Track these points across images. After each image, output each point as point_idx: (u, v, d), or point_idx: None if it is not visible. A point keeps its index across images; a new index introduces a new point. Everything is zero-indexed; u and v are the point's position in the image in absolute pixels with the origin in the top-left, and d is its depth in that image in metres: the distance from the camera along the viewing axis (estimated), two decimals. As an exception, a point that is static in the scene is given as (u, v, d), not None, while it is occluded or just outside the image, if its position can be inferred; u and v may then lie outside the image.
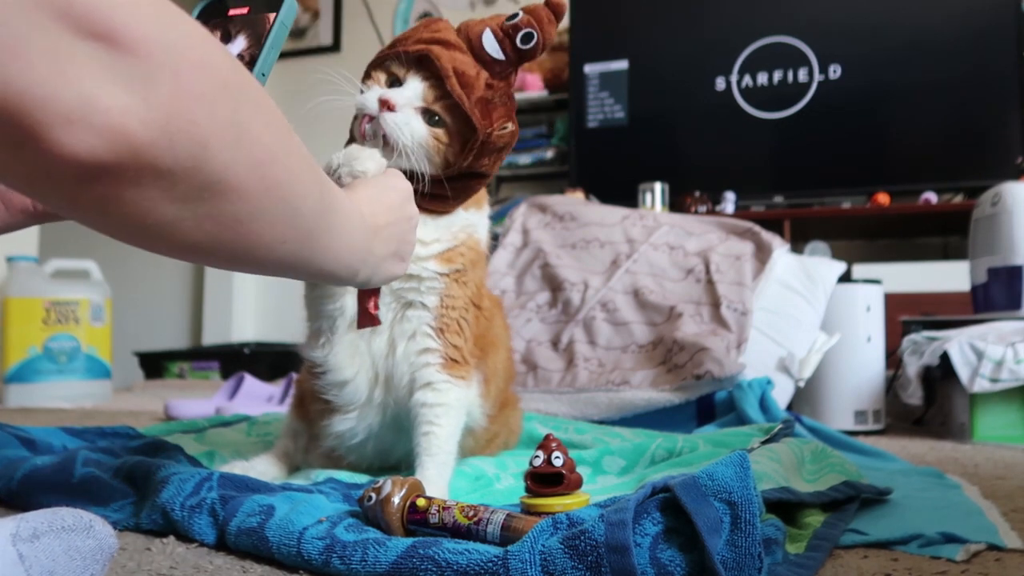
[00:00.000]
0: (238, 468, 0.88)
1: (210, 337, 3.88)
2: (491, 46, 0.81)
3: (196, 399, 1.71)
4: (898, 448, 1.30)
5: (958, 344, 1.39)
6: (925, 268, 2.62)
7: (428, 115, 0.81)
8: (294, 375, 1.05)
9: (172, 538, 0.68)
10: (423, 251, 0.83)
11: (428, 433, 0.82)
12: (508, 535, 0.59)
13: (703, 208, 2.77)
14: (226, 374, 2.94)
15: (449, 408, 0.84)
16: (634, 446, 0.99)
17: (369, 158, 0.74)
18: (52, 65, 0.33)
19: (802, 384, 1.49)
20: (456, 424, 0.85)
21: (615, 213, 1.77)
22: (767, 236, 1.65)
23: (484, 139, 0.81)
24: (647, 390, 1.36)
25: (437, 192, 0.82)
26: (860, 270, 2.60)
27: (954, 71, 2.71)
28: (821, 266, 1.61)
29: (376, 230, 0.64)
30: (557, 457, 0.69)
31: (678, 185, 2.75)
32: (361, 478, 0.87)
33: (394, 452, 0.93)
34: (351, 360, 0.85)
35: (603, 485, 0.91)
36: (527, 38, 0.81)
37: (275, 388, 1.77)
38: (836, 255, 2.58)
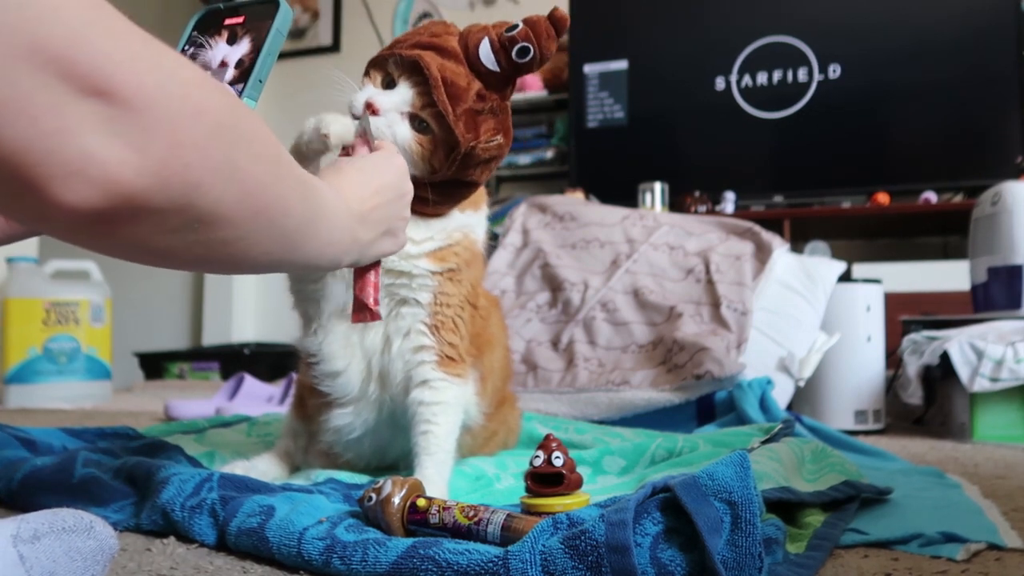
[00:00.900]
0: (239, 468, 0.88)
1: (210, 337, 3.88)
2: (486, 57, 0.81)
3: (196, 399, 1.71)
4: (898, 448, 1.30)
5: (958, 344, 1.39)
6: (925, 268, 2.62)
7: (415, 121, 0.81)
8: (294, 375, 1.05)
9: (172, 539, 0.68)
10: (414, 249, 0.83)
11: (426, 432, 0.82)
12: (508, 535, 0.59)
13: (703, 208, 2.77)
14: (226, 375, 2.94)
15: (447, 406, 0.84)
16: (634, 446, 0.99)
17: (336, 122, 0.75)
18: (53, 122, 0.35)
19: (802, 384, 1.49)
20: (454, 423, 0.85)
21: (615, 213, 1.77)
22: (767, 236, 1.65)
23: (467, 151, 0.81)
24: (647, 390, 1.36)
25: (423, 195, 0.82)
26: (860, 270, 2.60)
27: (954, 71, 2.71)
28: (821, 266, 1.61)
29: (362, 216, 0.65)
30: (557, 457, 0.69)
31: (678, 185, 2.75)
32: (361, 478, 0.87)
33: (391, 450, 0.93)
34: (343, 351, 0.85)
35: (603, 485, 0.91)
36: (523, 52, 0.80)
37: (275, 388, 1.77)
38: (836, 255, 2.58)
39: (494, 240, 1.77)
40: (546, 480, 0.69)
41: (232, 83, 0.60)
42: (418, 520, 0.63)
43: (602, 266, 1.66)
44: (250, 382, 1.77)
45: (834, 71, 2.84)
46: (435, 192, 0.83)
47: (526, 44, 0.80)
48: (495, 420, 0.97)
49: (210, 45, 0.61)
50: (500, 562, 0.54)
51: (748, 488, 0.54)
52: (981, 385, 1.35)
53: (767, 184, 2.91)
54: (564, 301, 1.62)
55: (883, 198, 2.66)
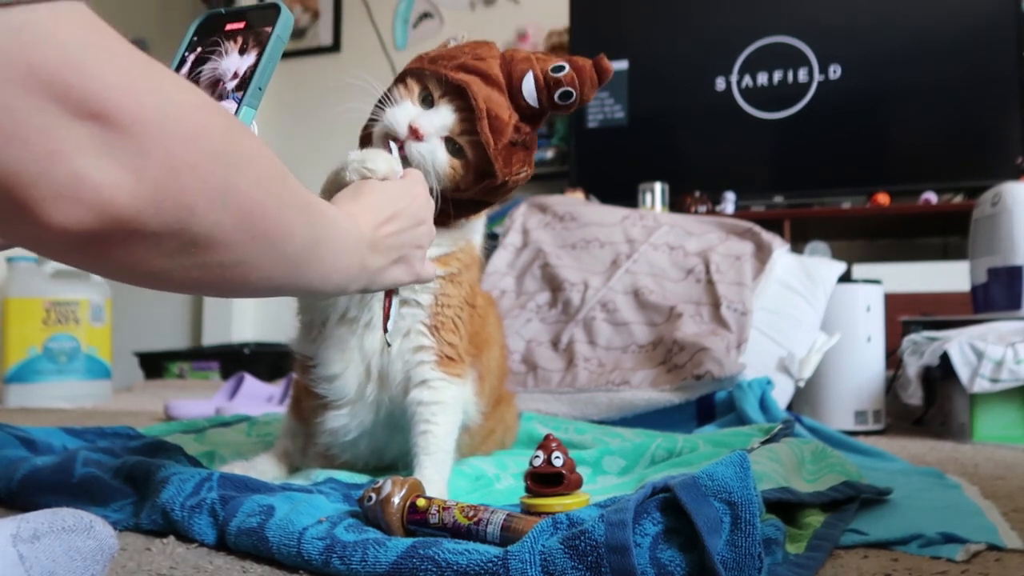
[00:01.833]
0: (239, 468, 0.88)
1: (210, 337, 3.88)
2: (529, 93, 0.81)
3: (196, 399, 1.71)
4: (898, 448, 1.30)
5: (958, 344, 1.39)
6: (925, 268, 2.62)
7: (451, 144, 0.81)
8: (294, 375, 1.05)
9: (172, 538, 0.68)
10: None
11: (425, 432, 0.82)
12: (508, 535, 0.59)
13: (703, 208, 2.77)
14: (226, 374, 2.94)
15: (446, 406, 0.84)
16: (634, 446, 0.99)
17: (382, 159, 0.74)
18: (47, 145, 0.35)
19: (802, 384, 1.49)
20: (453, 422, 0.85)
21: (615, 213, 1.77)
22: (767, 236, 1.65)
23: (500, 184, 0.82)
24: (647, 390, 1.36)
25: (443, 208, 0.83)
26: (860, 270, 2.60)
27: (954, 71, 2.71)
28: (821, 266, 1.61)
29: (374, 243, 0.65)
30: (557, 457, 0.69)
31: (678, 185, 2.75)
32: (361, 478, 0.87)
33: (388, 451, 0.93)
34: (341, 355, 0.85)
35: (603, 485, 0.91)
36: (566, 96, 0.80)
37: (275, 388, 1.77)
38: (836, 255, 2.58)
39: (494, 240, 1.77)
40: (546, 480, 0.69)
41: (233, 91, 0.59)
42: (418, 520, 0.63)
43: (602, 266, 1.66)
44: (250, 382, 1.77)
45: (834, 71, 2.84)
46: (453, 207, 0.84)
47: (570, 89, 0.80)
48: (492, 419, 0.97)
49: (221, 54, 0.60)
50: (500, 562, 0.54)
51: (748, 488, 0.54)
52: (981, 386, 1.35)
53: (767, 184, 2.91)
54: (564, 301, 1.62)
55: (883, 198, 2.66)
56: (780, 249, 1.62)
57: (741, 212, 2.80)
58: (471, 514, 0.61)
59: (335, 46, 3.95)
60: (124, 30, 0.40)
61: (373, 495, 0.64)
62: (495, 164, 0.80)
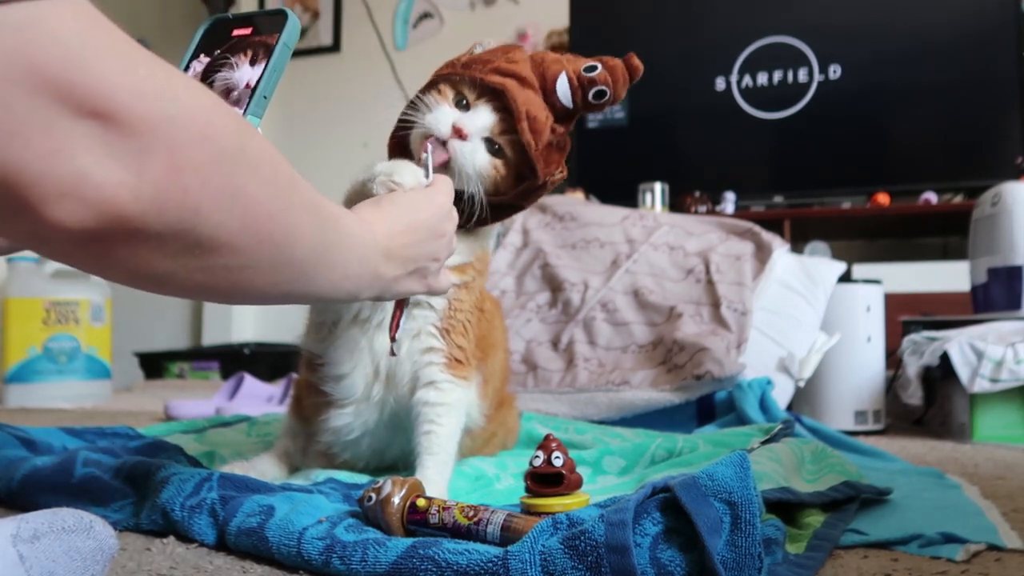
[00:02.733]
0: (239, 468, 0.88)
1: (210, 337, 3.88)
2: (564, 94, 0.81)
3: (196, 399, 1.71)
4: (898, 448, 1.30)
5: (958, 344, 1.39)
6: (925, 268, 2.62)
7: (490, 144, 0.81)
8: (294, 375, 1.05)
9: (172, 538, 0.68)
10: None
11: (429, 432, 0.82)
12: (508, 535, 0.59)
13: (703, 208, 2.77)
14: (226, 374, 2.94)
15: (451, 408, 0.84)
16: (634, 446, 0.99)
17: (409, 172, 0.74)
18: (48, 143, 0.35)
19: (802, 384, 1.49)
20: (457, 424, 0.85)
21: (615, 213, 1.77)
22: (767, 236, 1.65)
23: (539, 186, 0.83)
24: (647, 390, 1.36)
25: (478, 212, 0.83)
26: (860, 270, 2.60)
27: (954, 71, 2.71)
28: (821, 266, 1.61)
29: (389, 251, 0.64)
30: (557, 457, 0.69)
31: (678, 185, 2.75)
32: (361, 478, 0.87)
33: (390, 451, 0.93)
34: (350, 355, 0.85)
35: (603, 485, 0.91)
36: (600, 95, 0.81)
37: (275, 388, 1.77)
38: (836, 255, 2.58)
39: (495, 239, 1.77)
40: (546, 480, 0.69)
41: (239, 101, 0.58)
42: (418, 520, 0.63)
43: (602, 266, 1.66)
44: (250, 382, 1.77)
45: (834, 72, 2.84)
46: (490, 211, 0.84)
47: (604, 88, 0.81)
48: (494, 422, 0.97)
49: (233, 65, 0.59)
50: (500, 562, 0.54)
51: (748, 488, 0.54)
52: (981, 386, 1.34)
53: (767, 184, 2.91)
54: (564, 301, 1.62)
55: (883, 198, 2.66)
56: (780, 249, 1.62)
57: (741, 212, 2.80)
58: (471, 514, 0.61)
59: (335, 46, 3.95)
60: (126, 30, 0.40)
61: (373, 495, 0.64)
62: (537, 165, 0.80)
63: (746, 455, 0.57)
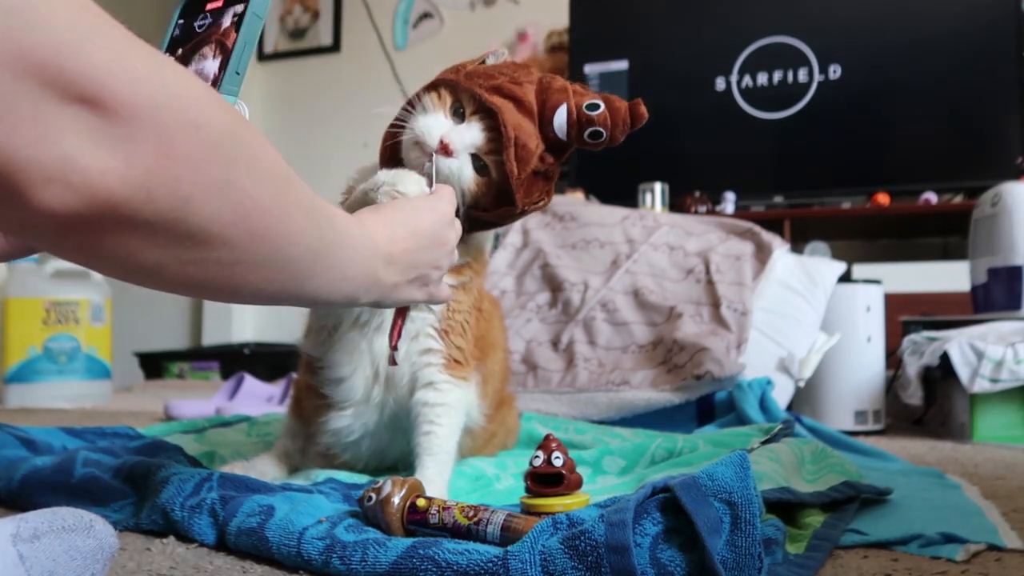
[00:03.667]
0: (239, 468, 0.88)
1: (210, 337, 3.88)
2: (560, 127, 0.80)
3: (196, 399, 1.71)
4: (898, 448, 1.30)
5: (958, 344, 1.39)
6: (925, 268, 2.62)
7: (477, 160, 0.80)
8: (294, 375, 1.05)
9: (172, 538, 0.68)
10: None
11: (429, 433, 0.82)
12: (508, 535, 0.59)
13: (703, 208, 2.77)
14: (226, 374, 2.94)
15: (450, 408, 0.84)
16: (634, 446, 0.99)
17: (413, 182, 0.74)
18: (35, 128, 0.35)
19: (802, 384, 1.49)
20: (456, 424, 0.85)
21: (615, 213, 1.77)
22: (767, 236, 1.65)
23: (518, 212, 0.82)
24: (647, 390, 1.36)
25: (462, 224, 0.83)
26: (860, 270, 2.60)
27: (954, 71, 2.71)
28: (821, 266, 1.61)
29: (390, 256, 0.63)
30: (557, 457, 0.69)
31: (678, 185, 2.75)
32: (361, 478, 0.87)
33: (390, 452, 0.93)
34: (350, 357, 0.85)
35: (603, 485, 0.91)
36: (596, 135, 0.80)
37: (275, 388, 1.77)
38: (836, 255, 2.58)
39: (494, 240, 1.77)
40: (546, 480, 0.69)
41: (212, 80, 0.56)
42: (418, 520, 0.63)
43: (602, 266, 1.66)
44: (250, 382, 1.77)
45: (834, 72, 2.84)
46: (469, 223, 0.84)
47: (601, 129, 0.79)
48: (494, 422, 0.97)
49: (205, 56, 0.58)
50: (500, 562, 0.54)
51: (748, 488, 0.54)
52: (981, 386, 1.34)
53: (767, 184, 2.91)
54: (564, 301, 1.62)
55: (883, 198, 2.66)
56: (780, 249, 1.62)
57: (741, 212, 2.80)
58: (471, 514, 0.61)
59: (335, 46, 3.95)
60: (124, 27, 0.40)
61: (373, 495, 0.64)
62: (516, 193, 0.80)
63: (746, 455, 0.57)
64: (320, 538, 0.61)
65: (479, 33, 3.59)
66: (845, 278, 1.60)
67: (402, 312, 0.77)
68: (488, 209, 0.83)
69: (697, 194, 2.79)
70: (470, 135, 0.79)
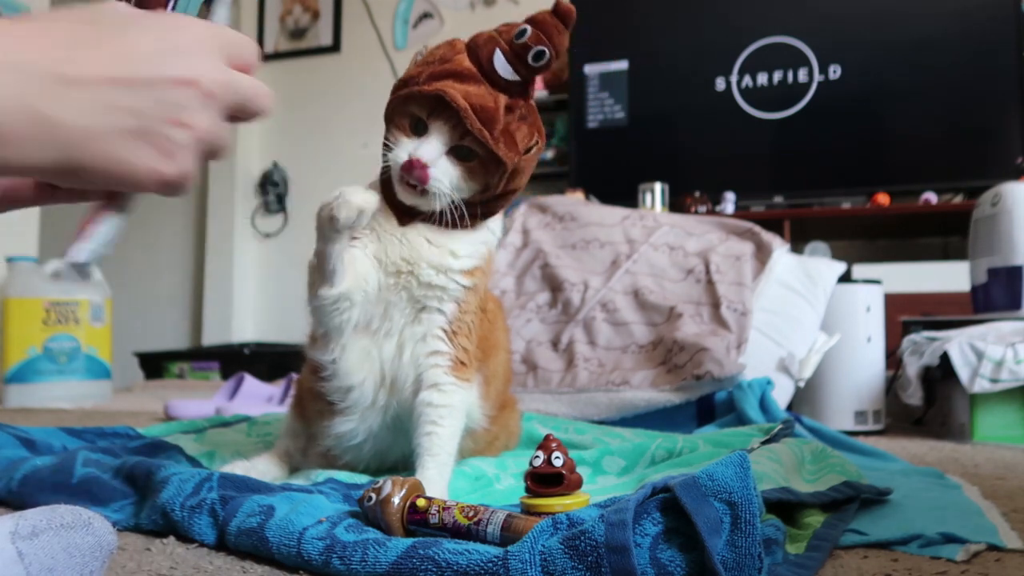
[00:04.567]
0: (239, 468, 0.88)
1: (210, 337, 3.88)
2: (503, 68, 0.79)
3: (196, 399, 1.71)
4: (898, 448, 1.30)
5: (958, 344, 1.39)
6: (925, 268, 2.62)
7: (459, 151, 0.80)
8: (294, 375, 1.05)
9: (172, 538, 0.68)
10: (455, 263, 0.83)
11: (431, 433, 0.82)
12: (508, 535, 0.59)
13: (703, 208, 2.77)
14: (226, 374, 2.94)
15: (453, 410, 0.84)
16: (634, 446, 0.99)
17: (361, 192, 0.74)
18: None
19: (802, 384, 1.49)
20: (458, 426, 0.85)
21: (615, 213, 1.77)
22: (767, 236, 1.65)
23: (515, 167, 0.81)
24: (647, 390, 1.36)
25: (473, 212, 0.83)
26: (860, 270, 2.60)
27: (954, 71, 2.71)
28: (821, 266, 1.61)
29: (65, 77, 0.39)
30: (557, 457, 0.69)
31: (678, 185, 2.75)
32: (361, 478, 0.87)
33: (391, 454, 0.93)
34: (360, 365, 0.85)
35: (603, 485, 0.91)
36: (538, 56, 0.79)
37: (275, 388, 1.77)
38: (836, 255, 2.58)
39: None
40: (546, 480, 0.69)
41: None
42: (418, 520, 0.63)
43: (602, 266, 1.66)
44: (250, 382, 1.77)
45: (834, 72, 2.84)
46: (483, 207, 0.84)
47: (541, 48, 0.78)
48: (497, 424, 0.97)
49: None
50: (500, 562, 0.54)
51: (748, 488, 0.54)
52: (981, 386, 1.34)
53: (767, 184, 2.92)
54: (564, 301, 1.62)
55: (883, 199, 2.66)
56: (780, 249, 1.62)
57: (741, 212, 2.80)
58: (471, 514, 0.61)
59: (335, 46, 3.95)
60: None
61: (373, 495, 0.64)
62: (498, 151, 0.79)
63: (746, 455, 0.57)
64: (320, 538, 0.61)
65: (479, 33, 3.59)
66: (845, 278, 1.60)
67: (111, 201, 0.47)
68: (497, 185, 0.82)
69: (697, 194, 2.79)
70: (436, 139, 0.79)
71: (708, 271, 1.57)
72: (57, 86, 0.38)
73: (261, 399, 1.71)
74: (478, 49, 0.80)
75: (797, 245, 2.76)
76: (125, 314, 3.38)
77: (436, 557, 0.56)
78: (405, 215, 0.84)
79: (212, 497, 0.69)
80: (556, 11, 0.79)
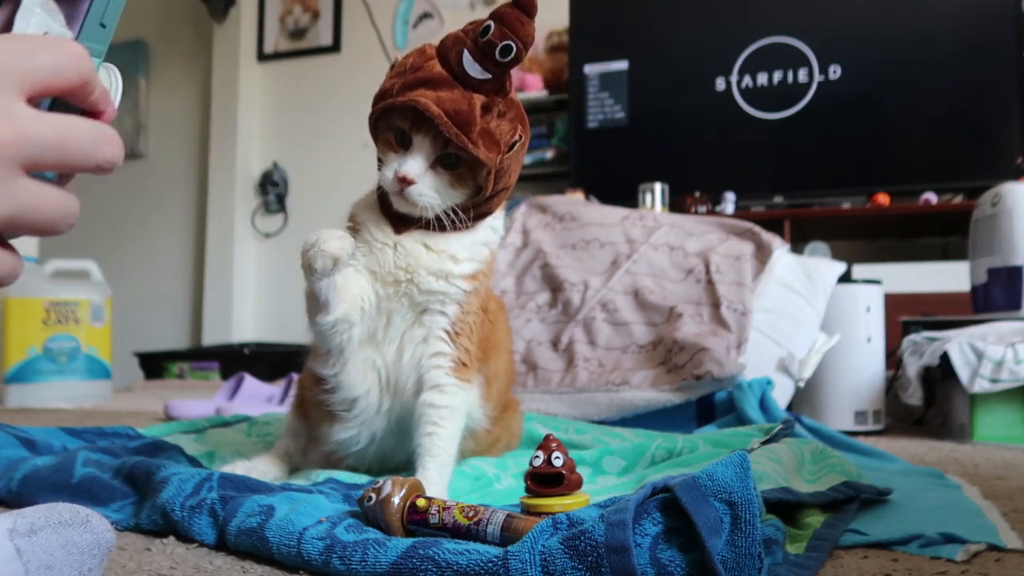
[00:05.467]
0: (240, 468, 0.88)
1: (210, 337, 3.88)
2: (473, 69, 0.78)
3: (196, 399, 1.71)
4: (898, 448, 1.30)
5: (958, 344, 1.39)
6: (925, 268, 2.62)
7: (446, 160, 0.80)
8: (294, 375, 1.05)
9: (172, 538, 0.68)
10: (456, 268, 0.83)
11: (431, 434, 0.82)
12: (508, 535, 0.59)
13: (703, 208, 2.77)
14: (226, 374, 2.94)
15: (454, 410, 0.84)
16: (634, 446, 0.99)
17: (336, 239, 0.75)
18: None
19: (802, 384, 1.49)
20: (458, 426, 0.85)
21: (615, 213, 1.77)
22: (767, 236, 1.65)
23: (498, 167, 0.80)
24: (647, 390, 1.36)
25: (467, 215, 0.83)
26: (860, 270, 2.60)
27: (954, 72, 2.71)
28: (821, 266, 1.61)
29: None
30: (557, 457, 0.69)
31: (678, 185, 2.75)
32: (361, 478, 0.87)
33: (395, 457, 0.93)
34: (363, 377, 0.85)
35: (603, 485, 0.91)
36: (505, 51, 0.78)
37: (275, 388, 1.77)
38: (836, 255, 2.58)
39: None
40: (546, 480, 0.69)
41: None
42: (418, 520, 0.63)
43: (602, 266, 1.66)
44: (250, 382, 1.77)
45: (834, 72, 2.84)
46: (478, 208, 0.83)
47: (506, 43, 0.77)
48: (499, 425, 0.97)
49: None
50: (500, 562, 0.54)
51: (748, 488, 0.54)
52: (981, 386, 1.34)
53: (767, 184, 2.91)
54: (564, 301, 1.62)
55: (883, 199, 2.66)
56: (780, 249, 1.62)
57: (741, 212, 2.80)
58: (471, 514, 0.61)
59: (335, 46, 3.95)
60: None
61: (373, 495, 0.64)
62: (477, 153, 0.78)
63: (746, 455, 0.57)
64: (320, 538, 0.61)
65: (479, 33, 3.58)
66: (845, 278, 1.60)
67: None
68: (489, 186, 0.82)
69: (697, 194, 2.79)
70: (419, 154, 0.79)
71: (708, 271, 1.57)
72: None
73: (261, 399, 1.71)
74: (447, 52, 0.80)
75: (797, 245, 2.76)
76: (125, 314, 3.38)
77: (436, 557, 0.56)
78: (400, 223, 0.83)
79: (212, 497, 0.69)
80: (517, 3, 0.78)
